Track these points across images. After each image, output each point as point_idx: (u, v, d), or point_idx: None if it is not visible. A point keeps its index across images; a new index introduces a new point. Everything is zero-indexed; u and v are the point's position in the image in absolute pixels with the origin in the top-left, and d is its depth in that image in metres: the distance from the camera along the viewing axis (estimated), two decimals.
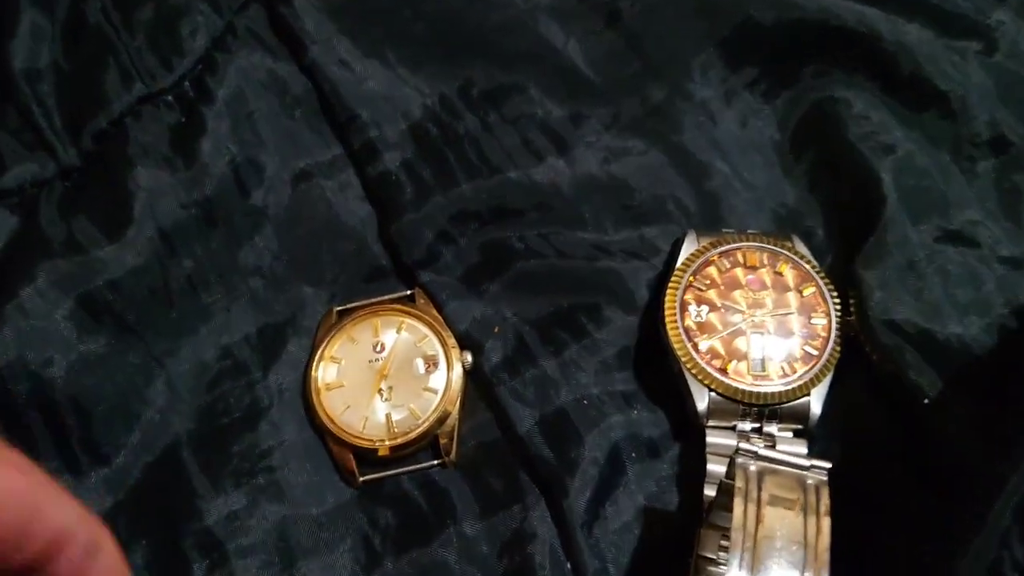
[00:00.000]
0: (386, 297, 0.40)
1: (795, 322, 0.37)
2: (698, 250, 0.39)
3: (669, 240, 0.41)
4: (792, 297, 0.38)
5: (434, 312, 0.40)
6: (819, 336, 0.37)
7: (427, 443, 0.38)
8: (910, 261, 0.37)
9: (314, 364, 0.39)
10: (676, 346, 0.37)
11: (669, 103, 0.43)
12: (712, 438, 0.36)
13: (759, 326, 0.37)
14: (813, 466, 0.30)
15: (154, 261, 0.40)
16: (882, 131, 0.40)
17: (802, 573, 0.27)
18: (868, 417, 0.37)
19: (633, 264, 0.41)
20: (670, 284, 0.38)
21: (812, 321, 0.37)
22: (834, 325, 0.37)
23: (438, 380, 0.38)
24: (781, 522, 0.28)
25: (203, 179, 0.42)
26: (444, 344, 0.39)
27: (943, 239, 0.38)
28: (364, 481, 0.38)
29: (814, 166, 0.42)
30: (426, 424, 0.37)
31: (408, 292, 0.41)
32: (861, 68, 0.41)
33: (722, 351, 0.37)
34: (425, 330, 0.39)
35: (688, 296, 0.38)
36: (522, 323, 0.39)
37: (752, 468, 0.30)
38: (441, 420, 0.38)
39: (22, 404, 0.38)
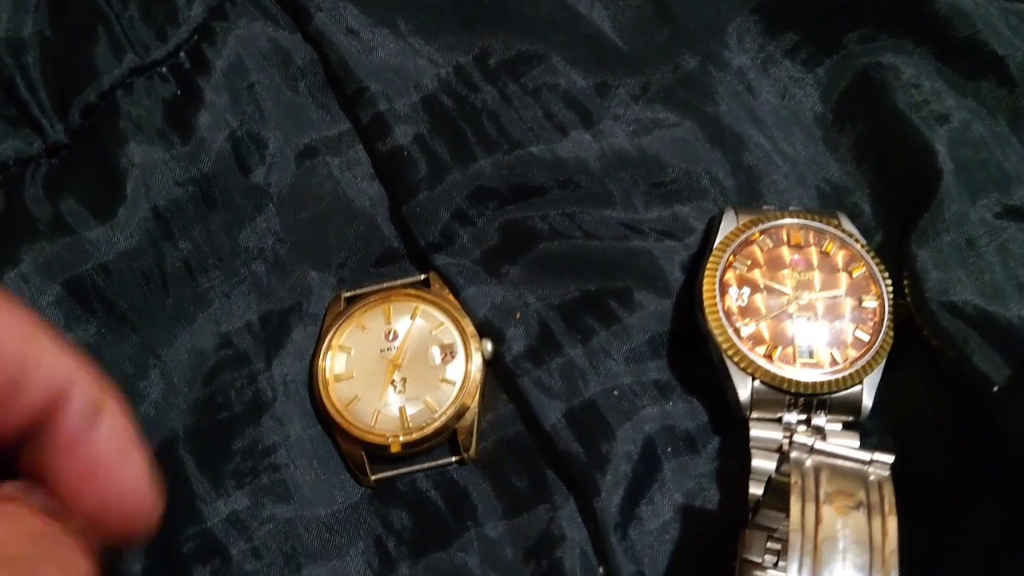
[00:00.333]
0: (398, 282, 0.40)
1: (845, 305, 0.36)
2: (738, 228, 0.37)
3: (704, 218, 0.40)
4: (841, 278, 0.36)
5: (450, 297, 0.39)
6: (871, 320, 0.35)
7: (444, 439, 0.37)
8: (969, 239, 0.36)
9: (321, 354, 0.38)
10: (716, 331, 0.35)
11: (702, 72, 0.42)
12: (757, 431, 0.35)
13: (806, 309, 0.35)
14: (874, 460, 0.28)
15: (147, 243, 0.40)
16: (935, 100, 0.39)
17: None
18: (926, 408, 0.36)
19: (666, 244, 0.39)
20: (708, 264, 0.36)
21: (863, 304, 0.36)
22: (887, 308, 0.35)
23: (456, 371, 0.37)
24: (843, 522, 0.27)
25: (200, 155, 0.41)
26: (462, 332, 0.38)
27: (1003, 215, 0.37)
28: (376, 480, 0.37)
29: (860, 138, 0.40)
30: (443, 418, 0.37)
31: (422, 276, 0.40)
32: (911, 32, 0.40)
33: (766, 336, 0.35)
34: (441, 317, 0.38)
35: (728, 276, 0.36)
36: (546, 309, 0.38)
37: (808, 463, 0.28)
38: (459, 414, 0.37)
39: None
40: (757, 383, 0.34)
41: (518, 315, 0.38)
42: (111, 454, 0.20)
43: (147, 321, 0.39)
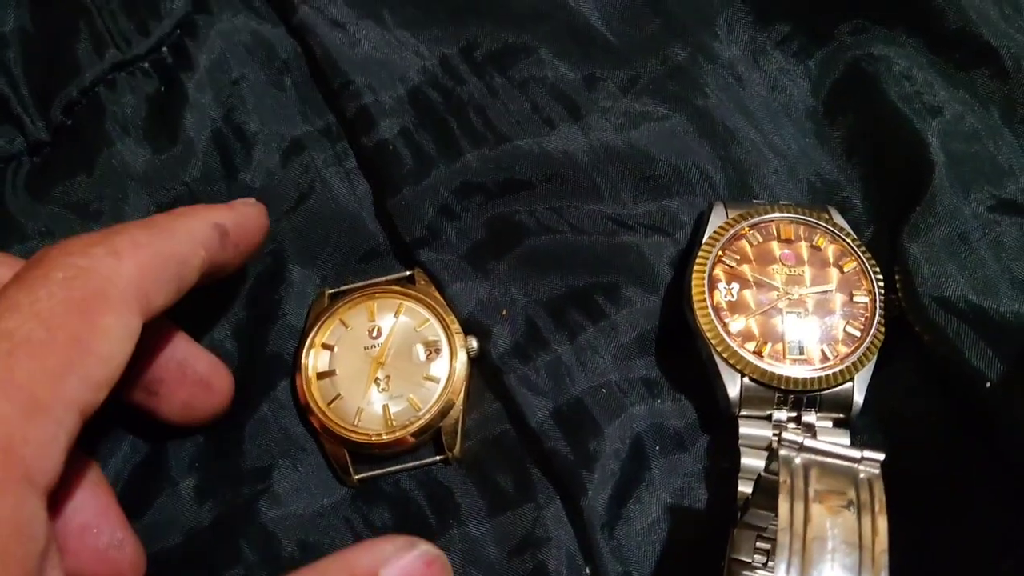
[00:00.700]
0: (383, 278, 0.39)
1: (836, 300, 0.35)
2: (727, 222, 0.37)
3: (693, 213, 0.39)
4: (832, 273, 0.36)
5: (435, 294, 0.38)
6: (862, 316, 0.35)
7: (428, 437, 0.37)
8: (961, 233, 0.36)
9: (304, 351, 0.37)
10: (705, 327, 0.35)
11: (692, 64, 0.41)
12: (746, 428, 0.34)
13: (796, 304, 0.35)
14: (864, 458, 0.28)
15: None
16: (927, 92, 0.38)
17: None
18: (918, 404, 0.35)
19: (654, 239, 0.39)
20: (697, 259, 0.36)
21: (854, 299, 0.35)
22: (878, 304, 0.35)
23: (440, 368, 0.37)
24: (833, 521, 0.26)
25: (185, 155, 0.40)
26: (447, 329, 0.37)
27: (996, 208, 0.36)
28: (359, 480, 0.36)
29: (852, 131, 0.40)
30: (427, 416, 0.36)
31: (407, 273, 0.39)
32: (903, 23, 0.40)
33: (756, 332, 0.35)
34: (426, 314, 0.38)
35: (717, 272, 0.36)
36: (532, 305, 0.38)
37: (797, 461, 0.28)
38: (444, 412, 0.36)
39: None
40: (746, 380, 0.34)
41: (504, 312, 0.38)
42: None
43: None
